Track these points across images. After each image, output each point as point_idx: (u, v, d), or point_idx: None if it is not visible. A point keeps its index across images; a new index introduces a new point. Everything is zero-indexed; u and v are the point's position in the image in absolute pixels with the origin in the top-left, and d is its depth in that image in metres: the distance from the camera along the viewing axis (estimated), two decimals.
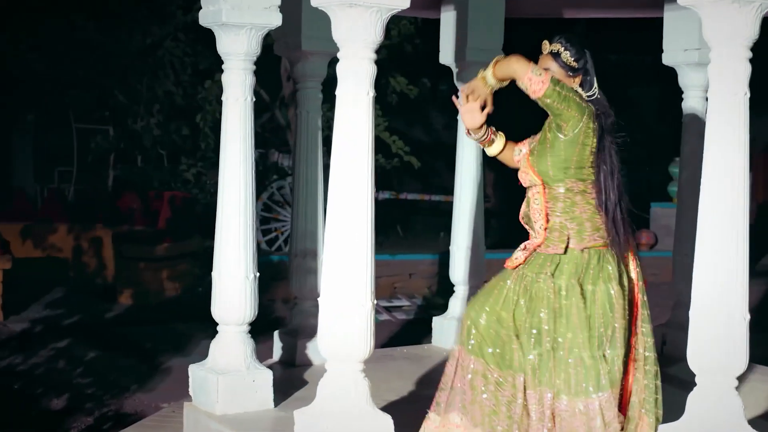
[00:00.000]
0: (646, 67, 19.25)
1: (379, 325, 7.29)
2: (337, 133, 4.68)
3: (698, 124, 7.06)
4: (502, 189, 17.61)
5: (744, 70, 4.39)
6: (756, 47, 4.43)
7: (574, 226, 4.55)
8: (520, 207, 4.73)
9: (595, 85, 4.60)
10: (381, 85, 13.30)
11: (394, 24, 12.25)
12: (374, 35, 4.61)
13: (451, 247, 7.46)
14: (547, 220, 4.59)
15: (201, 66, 15.16)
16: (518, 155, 4.73)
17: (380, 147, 13.58)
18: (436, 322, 7.51)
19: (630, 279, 4.69)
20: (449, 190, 16.74)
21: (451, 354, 4.81)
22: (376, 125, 12.91)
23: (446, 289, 12.21)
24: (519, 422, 4.47)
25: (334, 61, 6.96)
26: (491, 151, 4.84)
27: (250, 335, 5.64)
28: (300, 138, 6.74)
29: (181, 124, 15.46)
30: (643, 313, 4.72)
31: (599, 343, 4.49)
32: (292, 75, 6.81)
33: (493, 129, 4.80)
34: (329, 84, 6.90)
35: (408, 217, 16.95)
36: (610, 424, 4.45)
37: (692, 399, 4.53)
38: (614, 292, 4.53)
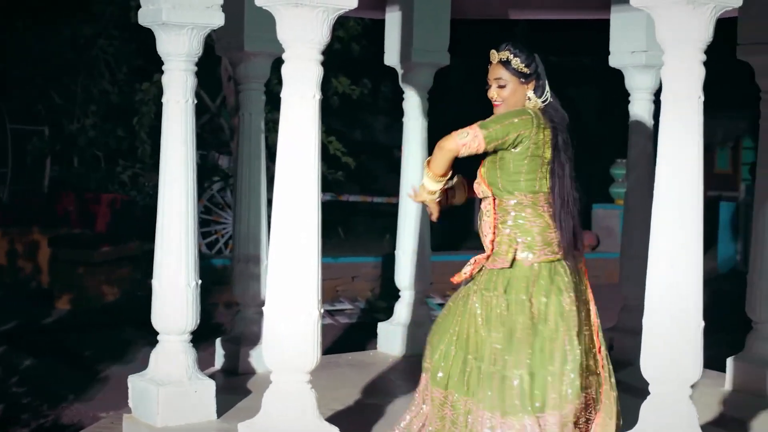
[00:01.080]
0: (583, 69, 19.31)
1: (322, 329, 7.16)
2: (282, 136, 4.55)
3: (645, 126, 7.02)
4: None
5: (698, 73, 4.32)
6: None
7: (525, 240, 4.44)
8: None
9: (547, 88, 4.50)
10: (322, 86, 13.14)
11: (340, 24, 12.12)
12: (321, 36, 4.48)
13: (396, 252, 7.35)
14: (495, 234, 4.49)
15: (135, 64, 14.93)
16: (478, 184, 4.63)
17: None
18: (382, 327, 7.39)
19: (583, 289, 4.59)
20: (388, 192, 16.68)
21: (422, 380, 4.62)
22: None
23: (389, 292, 12.11)
24: None
25: (278, 62, 6.86)
26: (459, 200, 4.74)
27: (191, 344, 5.48)
28: (243, 140, 6.59)
29: (116, 125, 15.21)
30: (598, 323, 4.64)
31: (549, 358, 4.37)
32: (235, 76, 6.65)
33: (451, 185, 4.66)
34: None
35: (349, 218, 16.82)
36: None
37: (646, 407, 4.46)
38: (566, 305, 4.43)
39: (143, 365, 5.58)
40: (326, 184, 14.20)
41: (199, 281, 5.45)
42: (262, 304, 6.62)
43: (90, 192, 14.51)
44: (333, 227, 15.55)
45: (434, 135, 7.81)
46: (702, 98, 4.35)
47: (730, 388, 6.25)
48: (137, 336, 9.52)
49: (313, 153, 4.53)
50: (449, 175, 4.53)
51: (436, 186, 4.52)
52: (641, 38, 6.85)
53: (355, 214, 17.12)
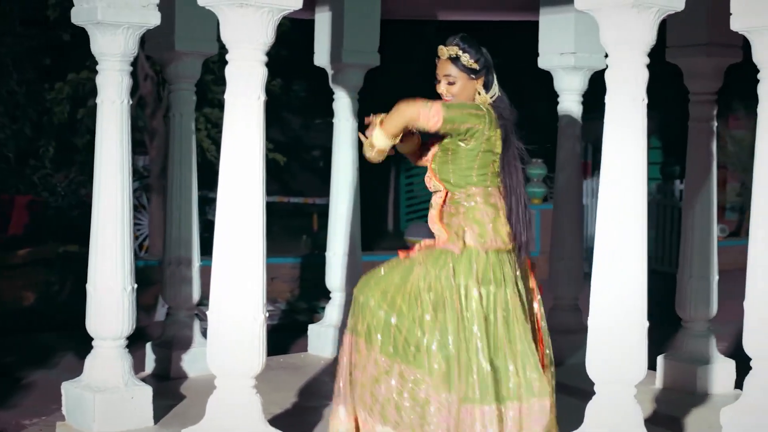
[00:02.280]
0: (497, 69, 19.44)
1: None
2: (226, 137, 4.49)
3: (573, 127, 7.09)
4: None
5: (642, 76, 4.37)
6: None
7: (475, 229, 4.45)
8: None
9: (496, 83, 4.52)
10: None
11: None
12: (266, 36, 4.43)
13: (327, 253, 7.31)
14: (444, 224, 4.50)
15: (44, 63, 14.63)
16: (426, 156, 4.64)
17: None
18: (312, 330, 7.35)
19: (527, 284, 4.62)
20: (305, 192, 16.59)
21: (347, 342, 4.61)
22: None
23: (309, 293, 12.08)
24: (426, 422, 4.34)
25: (208, 62, 6.80)
26: (404, 148, 4.67)
27: (127, 350, 5.38)
28: (173, 141, 6.49)
29: (24, 125, 14.88)
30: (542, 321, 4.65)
31: (495, 350, 4.38)
32: (165, 76, 6.54)
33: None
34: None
35: (266, 219, 16.68)
36: None
37: (591, 407, 4.50)
38: (511, 296, 4.44)
39: (65, 370, 5.47)
40: None
41: (135, 285, 5.35)
42: (194, 307, 6.63)
43: (5, 194, 14.19)
44: None
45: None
46: (645, 100, 4.40)
47: (661, 386, 6.33)
48: (58, 341, 9.32)
49: (257, 154, 4.48)
50: (399, 139, 4.51)
51: (385, 144, 4.48)
52: (570, 40, 6.92)
53: (270, 215, 17.00)
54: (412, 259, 4.50)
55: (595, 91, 7.26)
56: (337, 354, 6.96)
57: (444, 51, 4.51)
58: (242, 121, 4.45)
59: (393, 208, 18.93)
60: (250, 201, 4.48)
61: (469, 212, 4.47)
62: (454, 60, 4.47)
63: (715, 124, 6.34)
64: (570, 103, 7.04)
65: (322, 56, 7.20)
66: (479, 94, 4.50)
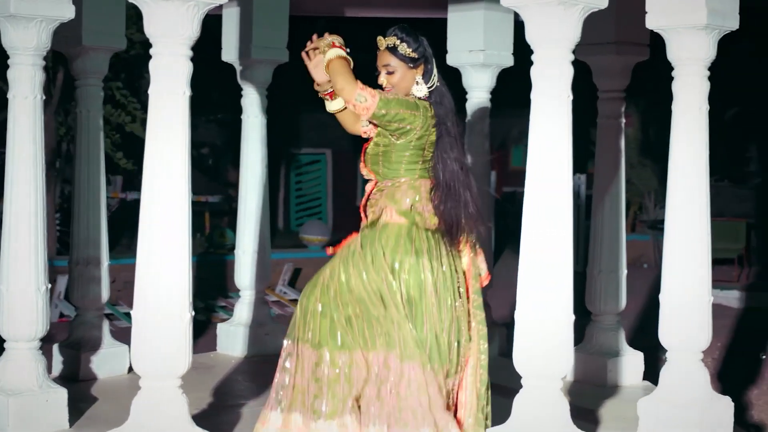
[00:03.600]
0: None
1: None
2: (150, 133, 4.39)
3: (482, 124, 7.15)
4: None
5: (568, 72, 4.44)
6: None
7: (396, 207, 4.50)
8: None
9: (435, 72, 4.53)
10: (140, 80, 12.83)
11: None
12: (191, 31, 4.36)
13: (236, 251, 7.23)
14: (368, 204, 4.58)
15: None
16: (365, 126, 4.68)
17: (138, 144, 13.10)
18: (222, 329, 7.26)
19: (459, 267, 4.59)
20: (195, 190, 16.36)
21: (286, 351, 4.60)
22: (131, 121, 12.43)
23: (205, 292, 11.95)
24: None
25: (116, 56, 6.66)
26: (331, 106, 4.74)
27: (41, 351, 5.24)
28: (80, 139, 6.33)
29: None
30: (476, 300, 4.63)
31: (427, 320, 4.40)
32: (71, 71, 6.38)
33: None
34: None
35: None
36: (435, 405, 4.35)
37: (519, 402, 4.54)
38: (424, 268, 4.45)
39: None
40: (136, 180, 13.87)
41: (49, 285, 5.22)
42: (103, 307, 6.49)
43: None
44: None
45: (273, 132, 7.78)
46: (571, 97, 4.45)
47: (572, 379, 6.41)
48: None
49: (182, 151, 4.40)
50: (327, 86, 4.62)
51: (322, 77, 4.64)
52: (479, 37, 6.96)
53: None
54: (344, 258, 4.52)
55: (503, 89, 7.36)
56: (246, 354, 6.98)
57: (383, 41, 4.53)
58: (167, 116, 4.36)
59: (283, 206, 18.86)
60: (175, 198, 4.40)
61: (391, 193, 4.51)
62: (393, 50, 4.49)
63: (624, 120, 6.46)
64: (479, 100, 7.10)
65: (229, 52, 7.12)
66: (417, 83, 4.51)
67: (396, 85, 4.50)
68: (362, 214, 4.64)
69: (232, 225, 15.84)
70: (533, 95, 4.46)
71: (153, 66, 4.38)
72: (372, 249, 4.46)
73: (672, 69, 5.07)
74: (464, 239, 4.57)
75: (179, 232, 4.41)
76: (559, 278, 4.45)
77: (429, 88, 4.53)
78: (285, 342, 4.63)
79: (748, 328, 10.39)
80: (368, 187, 4.63)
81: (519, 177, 20.46)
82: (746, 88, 14.71)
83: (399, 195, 4.51)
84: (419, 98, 4.51)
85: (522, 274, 4.50)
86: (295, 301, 12.01)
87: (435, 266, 4.46)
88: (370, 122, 4.58)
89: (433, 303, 4.41)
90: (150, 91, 4.39)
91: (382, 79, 4.52)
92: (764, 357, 9.08)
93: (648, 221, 15.94)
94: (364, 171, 4.61)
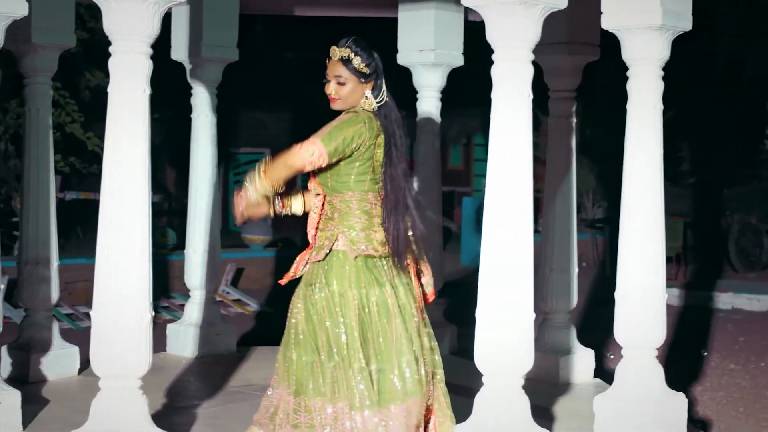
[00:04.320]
0: (321, 65, 19.46)
1: (85, 332, 6.85)
2: (110, 132, 4.36)
3: (433, 123, 7.17)
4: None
5: (529, 72, 4.47)
6: None
7: (348, 234, 4.39)
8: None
9: (384, 88, 4.47)
10: (79, 79, 12.68)
11: (94, 17, 11.70)
12: (152, 29, 4.32)
13: (186, 251, 7.19)
14: (317, 229, 4.46)
15: None
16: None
17: (75, 144, 12.96)
18: (172, 329, 7.21)
19: (410, 286, 4.55)
20: None
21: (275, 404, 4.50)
22: (71, 121, 12.29)
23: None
24: None
25: (65, 54, 6.57)
26: (297, 210, 4.62)
27: None
28: (29, 137, 6.25)
29: None
30: (426, 316, 4.62)
31: (375, 353, 4.35)
32: (20, 69, 6.29)
33: (283, 194, 4.57)
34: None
35: (90, 218, 16.25)
36: None
37: (480, 399, 4.56)
38: (388, 296, 4.40)
39: None
40: (91, 183, 13.79)
41: (3, 286, 5.14)
42: (52, 308, 6.41)
43: None
44: (73, 227, 15.02)
45: (223, 130, 7.72)
46: (531, 96, 4.49)
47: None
48: None
49: (142, 149, 4.36)
50: (282, 188, 4.45)
51: (268, 191, 4.41)
52: (429, 37, 6.98)
53: (96, 214, 16.55)
54: (296, 293, 4.46)
55: (453, 88, 7.39)
56: (197, 354, 6.93)
57: (336, 52, 4.42)
58: (126, 115, 4.33)
59: (222, 206, 18.74)
60: (135, 197, 4.37)
61: (343, 217, 4.43)
62: (346, 62, 4.40)
63: (575, 120, 6.52)
64: (429, 99, 7.11)
65: (179, 51, 7.08)
66: (366, 98, 4.44)
67: (345, 97, 4.41)
68: (312, 231, 4.50)
69: (172, 224, 15.75)
70: (494, 95, 4.49)
71: (113, 64, 4.34)
72: (340, 287, 4.37)
73: (614, 69, 5.13)
74: (412, 258, 4.54)
75: (139, 231, 4.38)
76: (521, 277, 4.48)
77: (378, 103, 4.47)
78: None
79: (688, 326, 10.53)
80: (316, 202, 4.49)
81: (457, 177, 20.68)
82: (681, 89, 14.90)
83: (353, 220, 4.45)
84: (364, 109, 4.45)
85: (483, 273, 4.52)
86: (238, 301, 11.94)
87: (396, 292, 4.44)
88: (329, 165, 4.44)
89: (400, 329, 4.38)
90: (109, 89, 4.35)
91: (331, 88, 4.39)
92: (705, 354, 9.21)
93: (587, 220, 16.10)
94: (312, 185, 4.49)
